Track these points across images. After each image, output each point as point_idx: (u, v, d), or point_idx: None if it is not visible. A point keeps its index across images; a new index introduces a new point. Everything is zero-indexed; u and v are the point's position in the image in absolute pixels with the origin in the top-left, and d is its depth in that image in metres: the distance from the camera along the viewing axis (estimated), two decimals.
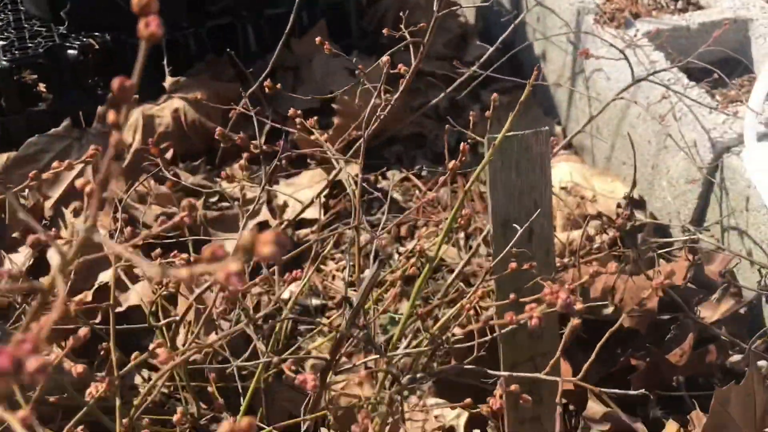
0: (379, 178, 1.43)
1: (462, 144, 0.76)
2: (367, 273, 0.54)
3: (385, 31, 1.00)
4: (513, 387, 0.70)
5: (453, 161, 0.69)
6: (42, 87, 1.67)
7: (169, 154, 1.33)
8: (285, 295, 1.26)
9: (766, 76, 0.99)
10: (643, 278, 0.88)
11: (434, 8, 0.89)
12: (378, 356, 0.57)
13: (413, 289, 0.71)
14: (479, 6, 1.86)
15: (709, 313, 1.04)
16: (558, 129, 1.53)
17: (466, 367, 0.64)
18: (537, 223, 0.75)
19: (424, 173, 1.44)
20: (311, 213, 1.27)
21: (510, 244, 0.73)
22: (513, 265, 0.69)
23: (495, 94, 0.87)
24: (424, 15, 1.77)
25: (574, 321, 0.56)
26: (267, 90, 0.87)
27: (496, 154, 0.72)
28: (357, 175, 0.79)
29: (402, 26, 1.00)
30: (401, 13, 1.82)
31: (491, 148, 0.71)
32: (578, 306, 0.45)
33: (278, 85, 0.90)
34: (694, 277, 1.03)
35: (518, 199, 0.75)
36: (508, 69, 1.32)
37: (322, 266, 1.26)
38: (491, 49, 1.25)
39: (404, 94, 0.91)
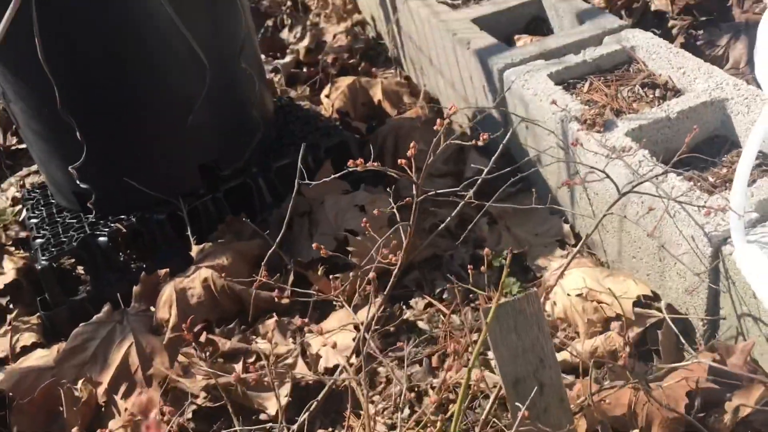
0: (403, 308, 1.49)
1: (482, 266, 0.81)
2: None
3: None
4: None
5: (494, 298, 0.75)
6: (81, 270, 1.79)
7: (197, 328, 1.41)
8: None
9: (742, 171, 1.04)
10: (662, 395, 0.92)
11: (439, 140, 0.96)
12: None
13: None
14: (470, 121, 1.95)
15: (743, 400, 1.06)
16: (566, 227, 1.59)
17: None
18: (546, 376, 0.80)
19: (445, 296, 1.50)
20: (345, 353, 1.33)
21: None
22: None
23: (487, 249, 0.93)
24: (421, 137, 1.87)
25: None
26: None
27: (493, 321, 0.78)
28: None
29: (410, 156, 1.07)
30: (400, 139, 1.93)
31: (488, 317, 0.77)
32: None
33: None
34: (715, 373, 1.06)
35: (523, 357, 0.80)
36: (508, 174, 1.36)
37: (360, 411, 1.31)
38: (486, 169, 1.32)
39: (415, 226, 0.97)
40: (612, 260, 1.45)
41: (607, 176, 1.10)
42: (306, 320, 1.31)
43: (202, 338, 1.44)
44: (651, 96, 1.54)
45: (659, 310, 1.26)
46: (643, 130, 1.40)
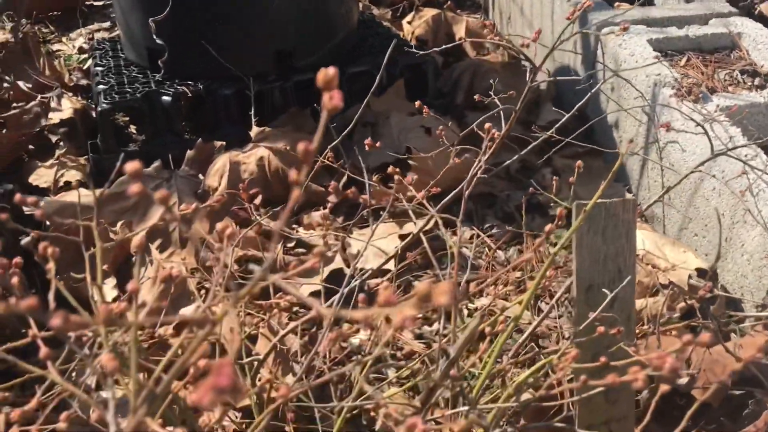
0: (450, 234, 1.47)
1: (559, 209, 0.79)
2: (472, 323, 0.57)
3: (476, 97, 1.05)
4: None
5: (550, 225, 0.72)
6: (133, 129, 1.77)
7: (257, 200, 1.39)
8: (355, 342, 1.29)
9: None
10: (720, 350, 0.89)
11: (527, 79, 0.93)
12: (468, 409, 0.59)
13: (496, 345, 0.73)
14: (554, 72, 1.91)
15: None
16: (628, 196, 1.55)
17: (556, 425, 0.66)
18: (621, 289, 0.77)
19: (494, 231, 1.47)
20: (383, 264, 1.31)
21: (592, 307, 0.75)
22: (601, 328, 0.71)
23: (579, 162, 0.90)
24: (499, 80, 1.83)
25: (663, 387, 0.58)
26: (368, 147, 0.92)
27: (585, 219, 0.75)
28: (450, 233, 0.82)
29: (491, 92, 1.05)
30: (477, 77, 1.88)
31: (581, 214, 0.74)
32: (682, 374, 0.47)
33: (377, 143, 0.95)
34: None
35: (603, 264, 0.77)
36: (579, 134, 1.35)
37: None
38: (567, 116, 1.29)
39: (493, 156, 0.95)
40: (671, 236, 1.42)
41: (704, 131, 1.06)
42: (351, 222, 1.29)
43: (253, 214, 1.42)
44: (749, 83, 1.49)
45: (713, 287, 1.23)
46: (740, 111, 1.35)
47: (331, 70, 0.33)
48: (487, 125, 1.08)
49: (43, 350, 0.50)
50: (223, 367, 0.26)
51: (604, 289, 0.76)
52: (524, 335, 0.68)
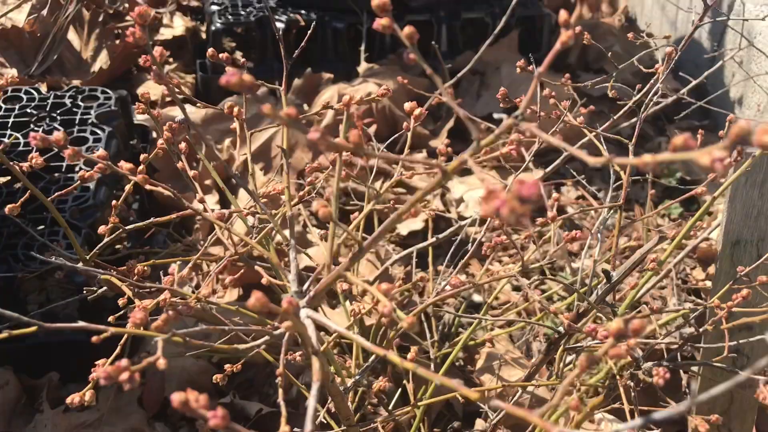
0: (554, 191, 1.42)
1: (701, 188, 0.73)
2: (646, 247, 0.54)
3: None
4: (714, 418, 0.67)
5: (698, 189, 0.68)
6: (239, 55, 1.77)
7: (372, 130, 1.37)
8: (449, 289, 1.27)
9: None
10: None
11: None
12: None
13: (643, 280, 0.69)
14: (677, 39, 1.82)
15: None
16: None
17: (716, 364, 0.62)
18: None
19: (600, 195, 1.42)
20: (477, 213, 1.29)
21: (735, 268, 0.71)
22: (744, 292, 0.66)
23: (701, 130, 0.85)
24: (617, 41, 1.76)
25: None
26: (449, 94, 0.89)
27: (743, 172, 0.70)
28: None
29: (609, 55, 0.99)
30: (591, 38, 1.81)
31: (744, 162, 0.69)
32: None
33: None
34: None
35: (755, 220, 0.72)
36: (696, 109, 1.28)
37: (489, 266, 1.26)
38: (691, 85, 1.22)
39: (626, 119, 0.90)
40: None
41: None
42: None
43: (366, 144, 1.40)
44: None
45: None
46: None
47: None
48: (612, 93, 1.04)
49: None
50: None
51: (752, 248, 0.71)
52: (662, 274, 0.64)
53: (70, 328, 0.37)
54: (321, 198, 1.30)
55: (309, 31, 0.80)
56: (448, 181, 0.36)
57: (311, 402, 0.32)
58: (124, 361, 0.32)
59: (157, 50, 0.49)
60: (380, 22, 0.35)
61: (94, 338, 0.38)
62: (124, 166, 0.52)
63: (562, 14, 0.32)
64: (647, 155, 0.27)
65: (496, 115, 1.55)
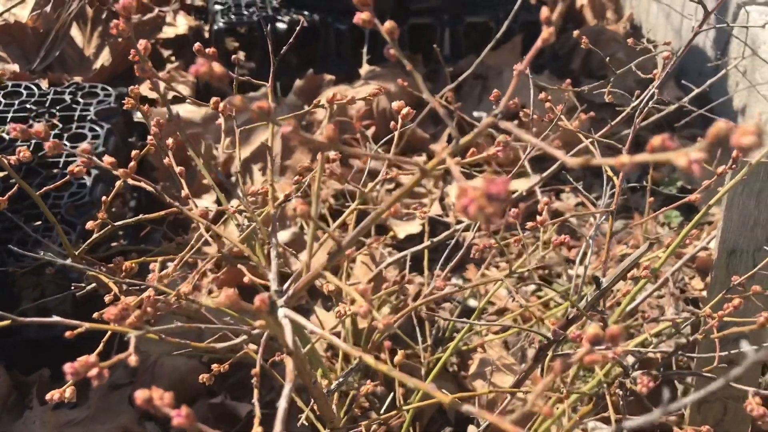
0: (553, 198, 1.42)
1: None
2: (636, 253, 0.53)
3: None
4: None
5: (692, 195, 0.67)
6: (241, 55, 1.77)
7: (370, 132, 1.37)
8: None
9: None
10: None
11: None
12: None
13: (636, 288, 0.68)
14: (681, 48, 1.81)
15: None
16: None
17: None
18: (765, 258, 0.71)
19: (599, 202, 1.41)
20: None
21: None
22: (736, 302, 0.66)
23: (702, 137, 0.84)
24: (621, 48, 1.75)
25: None
26: (448, 100, 0.89)
27: (739, 180, 0.70)
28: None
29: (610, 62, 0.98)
30: (596, 45, 1.80)
31: (743, 169, 0.68)
32: None
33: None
34: None
35: (752, 230, 0.71)
36: (699, 118, 1.27)
37: (485, 271, 1.26)
38: (694, 93, 1.21)
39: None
40: None
41: None
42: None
43: (363, 146, 1.40)
44: None
45: None
46: None
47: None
48: (609, 98, 1.03)
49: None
50: None
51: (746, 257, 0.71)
52: (659, 282, 0.63)
53: (43, 323, 0.37)
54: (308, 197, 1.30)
55: (305, 33, 0.80)
56: (425, 178, 0.35)
57: (282, 403, 0.31)
58: (92, 357, 0.31)
59: (141, 44, 0.48)
60: (360, 17, 0.35)
61: (68, 333, 0.37)
62: (107, 160, 0.52)
63: (544, 11, 0.31)
64: (625, 155, 0.27)
65: (475, 113, 1.54)
